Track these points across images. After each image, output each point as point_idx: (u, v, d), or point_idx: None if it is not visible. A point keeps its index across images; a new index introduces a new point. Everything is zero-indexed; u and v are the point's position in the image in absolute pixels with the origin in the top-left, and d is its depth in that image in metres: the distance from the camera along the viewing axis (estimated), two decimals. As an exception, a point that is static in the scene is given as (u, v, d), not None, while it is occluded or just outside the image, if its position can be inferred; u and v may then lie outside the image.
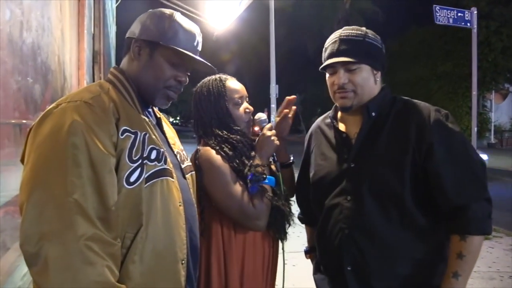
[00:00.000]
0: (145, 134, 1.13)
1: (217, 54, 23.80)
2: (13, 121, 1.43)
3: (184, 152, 1.37)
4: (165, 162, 1.15)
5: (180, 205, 1.17)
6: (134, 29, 1.23)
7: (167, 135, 1.32)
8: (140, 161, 1.08)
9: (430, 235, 1.37)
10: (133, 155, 1.07)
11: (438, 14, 5.32)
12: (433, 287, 1.35)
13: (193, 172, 1.39)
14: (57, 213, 0.93)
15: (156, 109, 1.36)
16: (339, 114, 1.56)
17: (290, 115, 1.66)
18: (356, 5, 25.89)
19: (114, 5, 11.48)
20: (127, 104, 1.16)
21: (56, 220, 0.92)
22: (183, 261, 1.16)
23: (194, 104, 1.63)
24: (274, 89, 11.04)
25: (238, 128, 1.56)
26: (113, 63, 11.34)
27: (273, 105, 10.76)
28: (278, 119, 1.67)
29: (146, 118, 1.20)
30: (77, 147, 0.97)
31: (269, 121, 1.64)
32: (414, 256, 1.36)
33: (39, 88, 1.81)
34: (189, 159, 1.35)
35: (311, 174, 1.58)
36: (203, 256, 1.47)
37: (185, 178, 1.29)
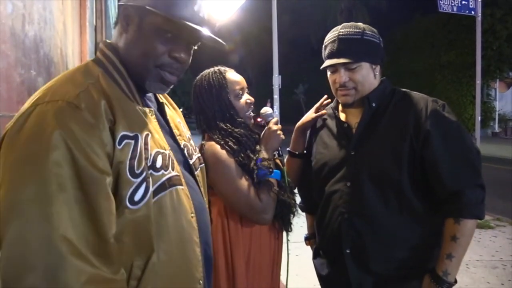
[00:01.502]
0: (147, 136, 0.93)
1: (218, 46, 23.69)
2: (16, 114, 1.44)
3: (192, 141, 1.19)
4: (173, 167, 0.97)
5: (192, 217, 1.00)
6: None
7: (171, 124, 1.11)
8: (144, 173, 0.88)
9: (427, 220, 1.43)
10: (135, 168, 0.87)
11: (442, 2, 5.27)
12: (429, 269, 1.40)
13: (203, 165, 1.23)
14: (43, 255, 0.73)
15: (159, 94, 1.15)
16: (340, 105, 1.61)
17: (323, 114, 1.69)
18: (360, -6, 25.69)
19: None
20: (122, 95, 0.94)
21: (42, 265, 0.72)
22: (201, 281, 1.01)
23: (195, 97, 1.62)
24: (276, 80, 11.00)
25: (241, 120, 1.56)
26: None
27: (276, 96, 10.73)
28: (313, 115, 1.69)
29: (146, 108, 1.00)
30: (61, 165, 0.76)
31: (272, 111, 1.65)
32: (411, 240, 1.42)
33: (42, 81, 1.82)
34: (197, 150, 1.24)
35: (313, 163, 1.63)
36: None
37: (194, 176, 1.12)
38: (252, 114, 1.62)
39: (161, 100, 1.13)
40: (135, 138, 0.89)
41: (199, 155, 1.22)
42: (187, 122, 1.64)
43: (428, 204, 1.42)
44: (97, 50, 1.01)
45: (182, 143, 1.10)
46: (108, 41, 1.03)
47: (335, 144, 1.56)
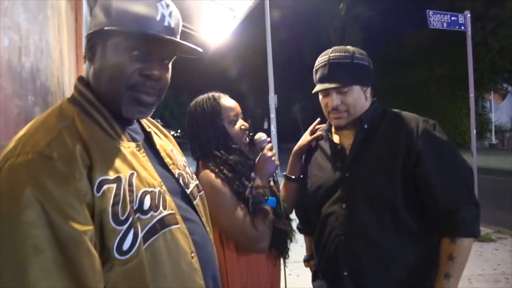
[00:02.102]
0: (131, 175, 0.84)
1: (216, 66, 23.92)
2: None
3: (188, 168, 1.12)
4: (165, 206, 0.88)
5: (193, 256, 0.92)
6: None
7: (162, 154, 1.03)
8: (131, 219, 0.80)
9: (423, 240, 1.43)
10: (120, 214, 0.79)
11: (431, 19, 5.36)
12: None
13: (202, 193, 1.15)
14: None
15: (146, 121, 1.09)
16: (334, 127, 1.63)
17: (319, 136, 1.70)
18: (352, 12, 26.08)
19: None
20: (102, 134, 0.87)
21: None
22: None
23: (189, 124, 1.61)
24: (273, 99, 11.07)
25: (236, 146, 1.56)
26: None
27: (273, 115, 10.76)
28: (309, 137, 1.71)
29: (131, 143, 0.92)
30: (35, 225, 0.69)
31: (270, 132, 1.66)
32: (408, 260, 1.42)
33: (39, 110, 1.84)
34: (194, 177, 1.16)
35: (308, 185, 1.64)
36: None
37: (193, 206, 1.04)
38: (247, 139, 1.62)
39: (148, 130, 1.06)
40: (117, 181, 0.81)
41: (197, 182, 1.15)
42: (185, 143, 1.62)
43: (424, 224, 1.42)
44: (73, 89, 0.94)
45: (176, 172, 1.03)
46: (82, 76, 0.96)
47: (329, 166, 1.57)
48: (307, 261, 1.82)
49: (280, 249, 1.56)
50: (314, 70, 1.55)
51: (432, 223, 1.40)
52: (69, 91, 3.01)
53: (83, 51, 0.95)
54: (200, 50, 0.96)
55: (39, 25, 1.93)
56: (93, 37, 0.90)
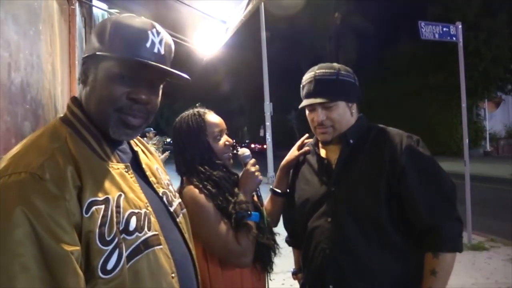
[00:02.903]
0: (119, 197, 0.88)
1: (212, 74, 24.01)
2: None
3: (171, 187, 1.16)
4: (149, 227, 0.92)
5: (173, 277, 0.95)
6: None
7: (147, 172, 1.06)
8: (116, 239, 0.83)
9: (408, 254, 1.44)
10: (106, 235, 0.82)
11: (423, 30, 5.42)
12: None
13: (185, 210, 1.18)
14: None
15: (134, 140, 1.11)
16: (321, 142, 1.64)
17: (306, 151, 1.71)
18: (347, 21, 26.33)
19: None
20: (93, 155, 0.90)
21: None
22: None
23: (174, 140, 1.63)
24: (268, 107, 11.13)
25: (220, 162, 1.58)
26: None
27: (268, 123, 10.80)
28: (296, 152, 1.72)
29: (120, 165, 0.96)
30: (24, 244, 0.72)
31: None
32: (393, 274, 1.43)
33: (29, 125, 1.85)
34: (177, 195, 1.19)
35: (295, 199, 1.66)
36: None
37: (176, 223, 1.08)
38: (231, 154, 1.64)
39: (135, 148, 1.09)
40: (106, 202, 0.84)
41: (180, 200, 1.18)
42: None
43: (408, 239, 1.43)
44: (66, 108, 0.98)
45: (160, 191, 1.06)
46: (76, 96, 1.00)
47: (316, 180, 1.59)
48: (295, 274, 1.83)
49: (263, 263, 1.56)
50: (301, 86, 1.58)
51: (416, 238, 1.42)
52: (61, 103, 3.02)
53: (77, 73, 0.97)
54: (188, 77, 0.99)
55: (30, 40, 1.95)
56: (87, 61, 0.95)
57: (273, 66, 12.41)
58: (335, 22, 26.14)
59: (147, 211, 0.94)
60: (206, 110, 1.66)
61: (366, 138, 1.53)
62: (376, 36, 25.99)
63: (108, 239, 0.82)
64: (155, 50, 0.94)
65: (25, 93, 1.82)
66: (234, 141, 1.69)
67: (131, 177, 0.97)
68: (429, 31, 5.43)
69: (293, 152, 1.73)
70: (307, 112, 1.59)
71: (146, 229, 0.91)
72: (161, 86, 1.02)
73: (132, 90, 0.93)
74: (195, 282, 1.09)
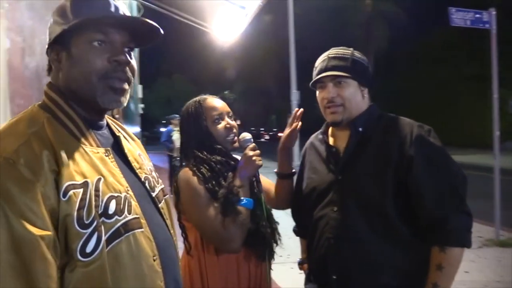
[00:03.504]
0: (98, 180, 0.88)
1: (237, 62, 23.98)
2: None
3: (154, 173, 1.14)
4: (130, 210, 0.91)
5: (155, 259, 0.95)
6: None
7: (129, 157, 1.05)
8: (95, 222, 0.83)
9: (414, 247, 1.40)
10: (84, 218, 0.82)
11: (454, 17, 5.19)
12: None
13: (167, 196, 1.17)
14: None
15: (115, 125, 1.12)
16: (330, 129, 1.62)
17: (298, 127, 1.70)
18: (378, 7, 25.55)
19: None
20: (71, 139, 0.90)
21: None
22: None
23: (179, 127, 1.69)
24: (295, 95, 11.01)
25: (219, 146, 1.58)
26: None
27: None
28: (287, 130, 1.70)
29: (100, 149, 0.96)
30: None
31: (251, 137, 1.66)
32: (398, 267, 1.40)
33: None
34: (160, 181, 1.18)
35: (303, 187, 1.64)
36: (186, 275, 1.51)
37: (158, 208, 1.07)
38: (234, 138, 1.63)
39: (117, 134, 1.08)
40: (84, 186, 0.84)
41: (162, 186, 1.17)
42: None
43: (415, 231, 1.39)
44: (43, 95, 0.97)
45: (143, 176, 1.06)
46: (51, 82, 0.99)
47: (324, 168, 1.56)
48: (301, 264, 1.81)
49: (259, 251, 1.55)
50: (314, 68, 1.56)
51: (422, 231, 1.38)
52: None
53: (47, 64, 0.99)
54: (159, 27, 0.99)
55: (46, 25, 1.99)
56: (53, 46, 0.95)
57: (301, 54, 12.24)
58: (366, 9, 25.46)
59: (128, 195, 0.94)
60: (207, 96, 1.67)
61: (376, 127, 1.49)
62: (408, 23, 25.10)
63: (87, 222, 0.82)
64: (121, 12, 0.96)
65: (40, 77, 1.87)
66: (238, 123, 1.69)
67: (112, 162, 0.97)
68: (460, 17, 5.20)
69: (286, 132, 1.71)
70: (317, 93, 1.56)
71: (126, 212, 0.90)
72: (134, 48, 1.02)
73: (111, 54, 0.94)
74: (177, 266, 1.10)
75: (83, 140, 0.93)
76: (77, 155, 0.88)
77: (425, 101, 21.20)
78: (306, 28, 20.97)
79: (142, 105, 14.36)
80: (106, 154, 0.97)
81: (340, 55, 1.52)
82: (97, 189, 0.87)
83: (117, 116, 4.39)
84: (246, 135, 1.65)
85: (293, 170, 1.75)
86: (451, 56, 21.49)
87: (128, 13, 0.99)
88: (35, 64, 1.80)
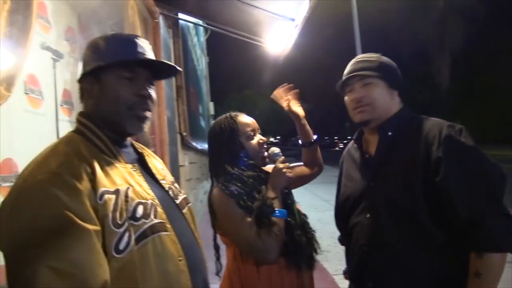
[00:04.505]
0: (127, 189, 1.02)
1: (307, 73, 23.93)
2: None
3: (176, 184, 1.28)
4: (156, 215, 1.04)
5: (181, 260, 1.06)
6: (80, 70, 1.14)
7: (153, 171, 1.21)
8: (126, 224, 0.96)
9: (452, 253, 1.32)
10: (117, 219, 0.95)
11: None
12: None
13: (190, 204, 1.29)
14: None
15: (137, 144, 1.27)
16: (364, 136, 1.61)
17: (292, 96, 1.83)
18: (452, 3, 24.09)
19: (203, 39, 12.39)
20: (102, 156, 1.05)
21: None
22: None
23: (208, 143, 1.72)
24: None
25: (252, 162, 1.62)
26: (204, 92, 12.11)
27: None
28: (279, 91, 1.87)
29: (126, 164, 1.09)
30: (52, 228, 0.87)
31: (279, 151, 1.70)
32: (435, 274, 1.33)
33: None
34: (182, 191, 1.28)
35: (340, 195, 1.65)
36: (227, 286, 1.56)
37: (182, 214, 1.20)
38: (265, 154, 1.67)
39: (140, 151, 1.23)
40: (116, 192, 0.98)
41: (185, 196, 1.29)
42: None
43: (452, 237, 1.31)
44: (76, 122, 1.13)
45: (166, 186, 1.21)
46: (82, 110, 1.15)
47: (357, 175, 1.56)
48: (345, 274, 1.77)
49: (294, 261, 1.54)
50: (343, 75, 1.57)
51: (458, 236, 1.30)
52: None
53: (79, 93, 1.15)
54: (176, 66, 1.20)
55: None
56: (87, 77, 1.11)
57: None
58: (438, 5, 24.16)
59: (154, 203, 1.06)
60: (238, 113, 1.73)
61: (407, 130, 1.45)
62: (487, 18, 23.25)
63: (120, 222, 0.95)
64: (145, 53, 1.13)
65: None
66: (268, 140, 1.74)
67: (139, 175, 1.11)
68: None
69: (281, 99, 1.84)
70: (345, 97, 1.56)
71: (152, 216, 1.03)
72: (155, 82, 1.19)
73: (137, 89, 1.10)
74: (204, 267, 1.20)
75: (112, 157, 1.07)
76: (108, 168, 1.03)
77: (506, 100, 19.47)
78: (373, 33, 20.37)
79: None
80: (134, 169, 1.11)
81: (367, 59, 1.54)
82: (126, 196, 1.00)
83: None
84: (275, 149, 1.70)
85: (314, 138, 1.88)
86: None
87: (151, 53, 1.15)
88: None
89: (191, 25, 6.91)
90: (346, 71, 1.55)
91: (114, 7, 3.27)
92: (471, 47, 23.65)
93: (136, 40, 1.13)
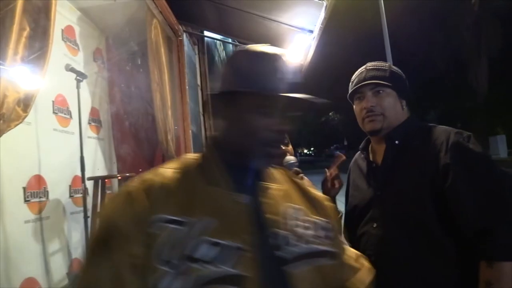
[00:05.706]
0: (208, 222, 0.82)
1: (328, 78, 23.67)
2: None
3: (309, 231, 0.94)
4: (233, 265, 0.79)
5: None
6: (216, 83, 0.97)
7: (264, 207, 0.92)
8: (173, 262, 0.77)
9: (463, 262, 1.29)
10: (163, 253, 0.77)
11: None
12: None
13: (322, 265, 0.91)
14: None
15: (275, 171, 1.05)
16: (371, 145, 1.61)
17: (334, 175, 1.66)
18: (488, 5, 23.27)
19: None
20: (201, 181, 0.89)
21: None
22: None
23: None
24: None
25: None
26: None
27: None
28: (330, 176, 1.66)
29: (231, 192, 0.89)
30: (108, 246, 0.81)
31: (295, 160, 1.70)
32: (444, 284, 1.30)
33: (126, 146, 2.22)
34: (316, 245, 0.93)
35: (347, 205, 1.64)
36: None
37: (283, 273, 0.84)
38: (281, 163, 1.69)
39: (263, 182, 0.98)
40: (179, 223, 0.81)
41: (316, 249, 0.93)
42: (317, 161, 1.66)
43: (462, 246, 1.29)
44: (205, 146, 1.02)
45: (275, 230, 0.89)
46: (214, 135, 1.02)
47: (364, 185, 1.55)
48: None
49: None
50: (351, 82, 1.57)
51: (467, 244, 1.27)
52: (171, 122, 3.47)
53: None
54: (324, 100, 0.96)
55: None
56: (223, 97, 0.94)
57: (402, 65, 11.73)
58: (472, 8, 23.41)
59: (243, 247, 0.82)
60: None
61: (414, 138, 1.44)
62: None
63: (165, 259, 0.77)
64: (291, 80, 0.93)
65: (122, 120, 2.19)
66: (302, 151, 1.76)
67: (241, 208, 0.89)
68: None
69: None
70: (355, 105, 1.57)
71: (229, 263, 0.79)
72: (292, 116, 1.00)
73: (274, 122, 0.92)
74: None
75: (213, 181, 0.91)
76: (198, 196, 0.87)
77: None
78: (405, 40, 19.99)
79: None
80: (238, 198, 0.90)
81: (378, 67, 1.53)
82: (194, 229, 0.81)
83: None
84: (291, 159, 1.73)
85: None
86: None
87: (297, 75, 0.97)
88: (115, 109, 2.12)
89: (216, 42, 7.08)
90: (356, 79, 1.55)
91: (138, 27, 3.44)
92: (509, 51, 22.75)
93: (282, 62, 0.92)
